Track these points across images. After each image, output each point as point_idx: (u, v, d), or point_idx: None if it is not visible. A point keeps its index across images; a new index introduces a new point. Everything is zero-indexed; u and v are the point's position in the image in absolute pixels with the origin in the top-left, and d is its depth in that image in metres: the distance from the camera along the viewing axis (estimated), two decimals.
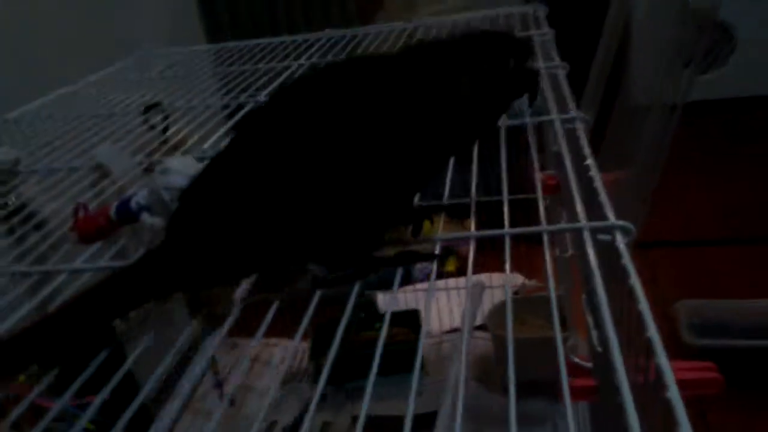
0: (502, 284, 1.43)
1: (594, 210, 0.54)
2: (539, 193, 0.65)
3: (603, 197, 0.54)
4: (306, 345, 1.37)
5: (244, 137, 0.47)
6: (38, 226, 0.77)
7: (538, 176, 0.70)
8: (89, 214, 0.61)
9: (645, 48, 1.47)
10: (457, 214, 1.89)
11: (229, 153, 0.47)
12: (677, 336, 1.39)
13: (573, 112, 0.73)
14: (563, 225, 0.51)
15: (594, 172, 0.59)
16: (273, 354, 1.44)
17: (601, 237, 0.49)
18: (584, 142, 0.65)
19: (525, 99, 0.50)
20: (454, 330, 1.43)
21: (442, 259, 1.46)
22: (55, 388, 0.50)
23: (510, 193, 0.64)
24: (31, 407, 0.52)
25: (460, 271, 1.60)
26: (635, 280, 0.43)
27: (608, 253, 0.49)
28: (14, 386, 0.63)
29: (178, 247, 0.44)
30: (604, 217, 0.51)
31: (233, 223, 0.44)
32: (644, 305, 0.41)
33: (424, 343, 1.38)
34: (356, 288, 0.50)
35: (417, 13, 3.42)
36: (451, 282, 1.47)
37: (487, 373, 1.29)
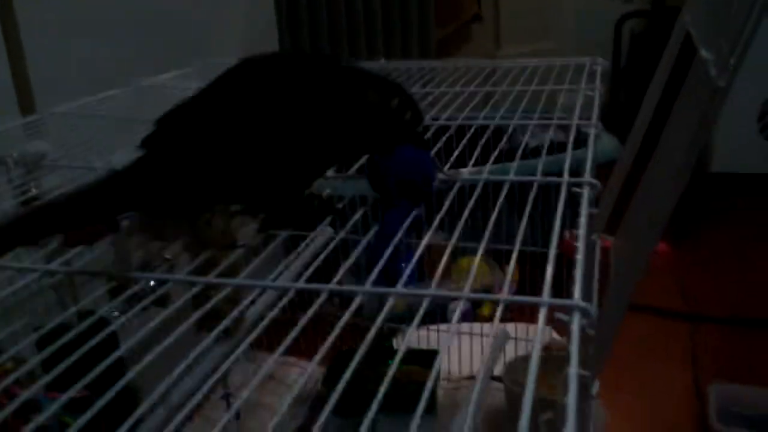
0: (528, 338, 1.39)
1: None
2: (552, 251, 0.61)
3: (577, 272, 0.51)
4: (323, 370, 1.35)
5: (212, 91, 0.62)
6: None
7: (556, 234, 0.66)
8: None
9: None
10: (498, 258, 1.83)
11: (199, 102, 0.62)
12: (706, 421, 1.30)
13: (586, 176, 0.69)
14: (523, 298, 0.48)
15: (580, 243, 0.56)
16: (289, 373, 1.43)
17: (559, 316, 0.46)
18: (583, 210, 0.62)
19: None
20: (473, 377, 1.39)
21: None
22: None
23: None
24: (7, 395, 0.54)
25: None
26: (574, 372, 0.40)
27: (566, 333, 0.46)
28: None
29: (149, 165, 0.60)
30: (571, 295, 0.48)
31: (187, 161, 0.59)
32: (572, 400, 0.38)
33: (441, 386, 1.36)
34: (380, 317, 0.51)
35: (503, 50, 3.40)
36: (476, 327, 1.43)
37: (497, 427, 1.25)
